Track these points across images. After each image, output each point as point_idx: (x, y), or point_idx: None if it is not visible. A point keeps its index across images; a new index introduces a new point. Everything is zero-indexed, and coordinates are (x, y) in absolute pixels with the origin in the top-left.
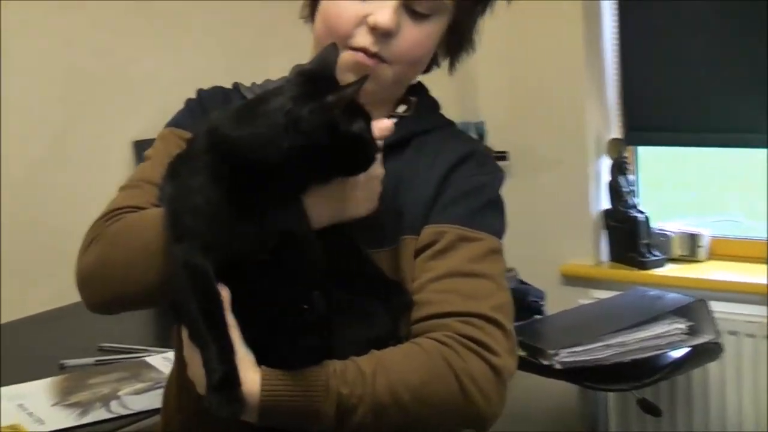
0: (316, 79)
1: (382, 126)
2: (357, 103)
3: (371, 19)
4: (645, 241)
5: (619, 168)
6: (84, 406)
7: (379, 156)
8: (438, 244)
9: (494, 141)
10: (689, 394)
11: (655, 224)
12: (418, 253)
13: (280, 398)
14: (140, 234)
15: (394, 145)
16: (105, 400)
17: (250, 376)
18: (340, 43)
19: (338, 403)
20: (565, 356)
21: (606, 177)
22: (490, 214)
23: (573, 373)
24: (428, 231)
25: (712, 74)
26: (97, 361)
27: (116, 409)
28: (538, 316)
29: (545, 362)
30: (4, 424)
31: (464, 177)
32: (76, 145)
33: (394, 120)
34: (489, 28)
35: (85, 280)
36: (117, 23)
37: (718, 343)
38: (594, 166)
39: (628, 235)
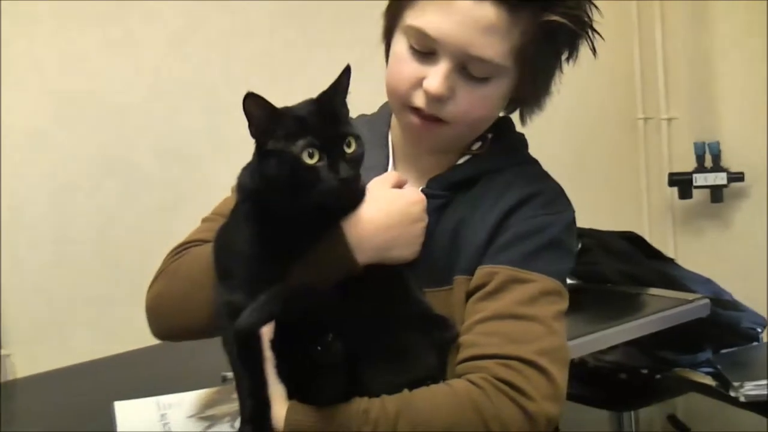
0: (322, 107)
1: None
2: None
3: (425, 84)
4: None
5: None
6: (214, 420)
7: (422, 202)
8: (488, 285)
9: (730, 162)
10: None
11: None
12: (470, 294)
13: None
14: (197, 268)
15: (462, 184)
16: (235, 415)
17: (278, 409)
18: (400, 101)
19: None
20: (750, 389)
21: None
22: (548, 256)
23: (759, 407)
24: (481, 272)
25: None
26: None
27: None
28: (755, 343)
29: (732, 394)
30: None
31: (525, 218)
32: None
33: (467, 157)
34: (731, 47)
35: (150, 312)
36: None
37: None
38: None
39: None
